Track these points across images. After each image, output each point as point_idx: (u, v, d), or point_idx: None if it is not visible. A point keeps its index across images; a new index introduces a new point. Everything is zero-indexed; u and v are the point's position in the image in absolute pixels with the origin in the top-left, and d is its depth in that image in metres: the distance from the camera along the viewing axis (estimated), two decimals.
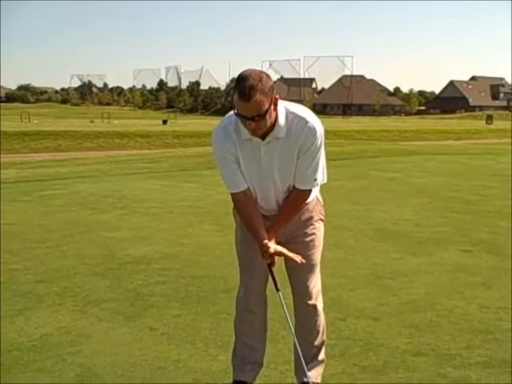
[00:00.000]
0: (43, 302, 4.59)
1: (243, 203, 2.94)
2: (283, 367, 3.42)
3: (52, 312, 4.37)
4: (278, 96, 2.70)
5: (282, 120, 2.77)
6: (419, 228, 7.25)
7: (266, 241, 2.86)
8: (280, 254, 2.92)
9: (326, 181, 3.02)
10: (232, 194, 2.96)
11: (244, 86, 2.60)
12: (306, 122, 2.80)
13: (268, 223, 2.99)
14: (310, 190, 2.96)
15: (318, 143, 2.83)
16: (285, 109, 2.79)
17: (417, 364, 3.52)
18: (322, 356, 3.22)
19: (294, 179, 2.92)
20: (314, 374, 3.16)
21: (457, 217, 7.92)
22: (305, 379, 3.12)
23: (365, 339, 3.89)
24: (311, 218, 3.07)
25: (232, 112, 2.81)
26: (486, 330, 4.02)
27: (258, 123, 2.68)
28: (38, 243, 6.43)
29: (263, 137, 2.78)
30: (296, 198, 2.96)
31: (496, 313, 4.35)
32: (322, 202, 3.15)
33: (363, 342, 3.84)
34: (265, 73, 2.68)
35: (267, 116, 2.68)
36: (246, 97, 2.60)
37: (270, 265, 2.92)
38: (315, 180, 2.93)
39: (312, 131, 2.80)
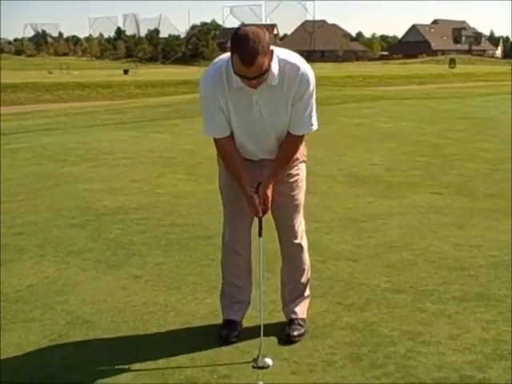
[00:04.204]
0: (24, 253, 4.59)
1: (226, 147, 3.02)
2: (269, 307, 3.51)
3: (34, 263, 4.38)
4: (272, 48, 2.71)
5: (275, 68, 2.78)
6: (390, 172, 7.39)
7: (255, 199, 3.00)
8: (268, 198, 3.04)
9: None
10: (215, 139, 3.03)
11: (246, 51, 2.60)
12: (299, 68, 2.83)
13: (259, 168, 3.08)
14: (303, 135, 3.03)
15: (311, 89, 2.88)
16: (276, 56, 2.79)
17: (397, 300, 3.67)
18: (307, 292, 3.37)
19: (290, 125, 2.97)
20: (301, 310, 3.31)
21: (426, 160, 8.09)
22: (293, 316, 3.28)
23: (346, 279, 4.02)
24: (295, 159, 3.14)
25: (222, 57, 2.84)
26: (460, 267, 4.19)
27: (259, 79, 2.71)
28: (10, 197, 6.35)
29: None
30: (292, 143, 3.03)
31: (469, 251, 4.53)
32: (303, 144, 3.20)
33: (344, 282, 3.97)
34: (261, 28, 2.67)
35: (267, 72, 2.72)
36: (248, 63, 2.62)
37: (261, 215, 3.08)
38: (312, 125, 2.99)
39: (305, 78, 2.84)
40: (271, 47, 2.70)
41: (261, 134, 2.97)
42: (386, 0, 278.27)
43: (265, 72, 2.69)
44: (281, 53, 2.84)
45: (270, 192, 3.03)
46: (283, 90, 2.83)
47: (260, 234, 3.08)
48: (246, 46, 2.60)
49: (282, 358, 3.01)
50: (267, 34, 2.67)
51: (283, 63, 2.81)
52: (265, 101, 2.86)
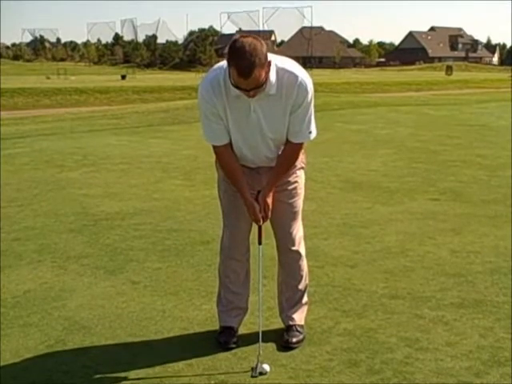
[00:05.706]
0: (22, 259, 4.58)
1: (225, 156, 3.02)
2: (267, 313, 3.51)
3: (32, 269, 4.37)
4: (270, 59, 2.71)
5: (273, 77, 2.78)
6: (387, 178, 7.41)
7: (256, 207, 3.00)
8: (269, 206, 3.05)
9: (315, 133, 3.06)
10: (214, 147, 3.03)
11: (243, 63, 2.60)
12: (297, 77, 2.83)
13: (257, 175, 3.09)
14: (302, 143, 3.03)
15: (310, 97, 2.88)
16: (274, 64, 2.79)
17: (394, 307, 3.67)
18: (305, 299, 3.37)
19: (289, 134, 2.97)
20: (299, 317, 3.31)
21: (423, 167, 8.12)
22: (290, 322, 3.27)
23: (343, 285, 4.02)
24: (294, 166, 3.14)
25: (220, 64, 2.84)
26: (457, 273, 4.19)
27: (256, 91, 2.72)
28: (8, 202, 6.34)
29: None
30: (291, 151, 3.03)
31: (467, 257, 4.53)
32: (302, 151, 3.20)
33: (342, 288, 3.97)
34: (258, 40, 2.67)
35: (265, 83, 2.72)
36: (245, 75, 2.62)
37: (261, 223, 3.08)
38: (310, 132, 2.99)
39: (303, 86, 2.84)
40: (269, 57, 2.70)
41: (259, 141, 2.98)
42: (382, 2, 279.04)
43: (262, 84, 2.70)
44: (279, 61, 2.83)
45: (270, 200, 3.03)
46: (281, 98, 2.84)
47: (260, 242, 3.08)
48: (243, 59, 2.60)
49: (279, 364, 3.01)
50: (264, 46, 2.67)
51: (281, 72, 2.81)
52: (263, 109, 2.87)
